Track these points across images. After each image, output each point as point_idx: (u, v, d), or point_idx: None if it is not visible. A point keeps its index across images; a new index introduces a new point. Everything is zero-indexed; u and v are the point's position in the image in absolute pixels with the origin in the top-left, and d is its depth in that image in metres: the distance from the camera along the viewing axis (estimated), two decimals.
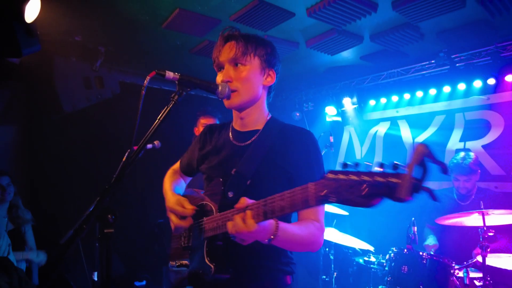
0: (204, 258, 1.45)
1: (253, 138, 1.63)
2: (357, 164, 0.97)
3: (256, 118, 1.67)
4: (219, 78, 1.63)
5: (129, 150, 1.44)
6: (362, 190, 0.91)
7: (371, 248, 3.79)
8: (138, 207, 5.12)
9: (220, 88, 1.59)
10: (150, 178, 5.11)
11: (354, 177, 0.93)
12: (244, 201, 1.28)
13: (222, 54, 1.61)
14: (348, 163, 0.98)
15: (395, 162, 0.89)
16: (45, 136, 4.59)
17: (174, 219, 1.60)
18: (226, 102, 1.63)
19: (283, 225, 1.32)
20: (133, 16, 3.55)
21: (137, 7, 3.37)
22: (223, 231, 1.36)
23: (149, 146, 2.50)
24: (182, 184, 1.97)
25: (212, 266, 1.40)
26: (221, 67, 1.64)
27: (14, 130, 4.69)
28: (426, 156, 0.84)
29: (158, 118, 1.49)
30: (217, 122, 3.62)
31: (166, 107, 1.52)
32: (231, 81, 1.58)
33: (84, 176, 4.41)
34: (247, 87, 1.59)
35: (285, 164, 1.55)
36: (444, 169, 0.86)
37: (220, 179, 1.57)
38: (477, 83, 4.30)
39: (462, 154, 3.61)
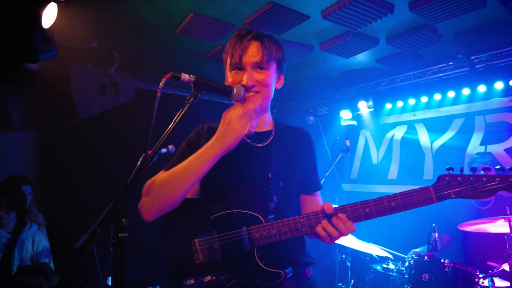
0: (262, 267, 1.43)
1: (271, 138, 1.65)
2: (462, 169, 1.32)
3: (266, 119, 1.71)
4: (236, 78, 1.58)
5: (143, 155, 1.42)
6: (484, 187, 1.27)
7: (390, 255, 3.68)
8: None
9: (235, 90, 1.56)
10: None
11: (479, 179, 1.28)
12: (331, 205, 1.39)
13: (247, 56, 1.55)
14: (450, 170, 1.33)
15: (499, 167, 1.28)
16: (62, 141, 4.66)
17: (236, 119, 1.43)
18: (249, 105, 1.58)
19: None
20: (147, 22, 3.57)
21: (151, 12, 3.39)
22: (283, 239, 1.42)
23: (164, 150, 2.48)
24: None
25: (281, 272, 1.42)
26: (240, 68, 1.58)
27: (32, 136, 4.77)
28: None
29: (173, 121, 1.47)
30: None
31: (181, 109, 1.50)
32: (255, 85, 1.57)
33: (99, 180, 4.45)
34: (266, 91, 1.59)
35: (302, 163, 1.66)
36: None
37: (257, 184, 1.51)
38: (498, 85, 4.17)
39: (482, 155, 3.52)
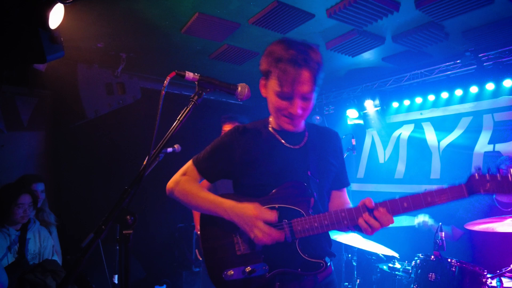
0: (303, 257, 1.54)
1: (305, 139, 1.75)
2: (489, 169, 1.46)
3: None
4: (282, 104, 1.60)
5: (148, 156, 1.43)
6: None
7: (396, 254, 3.66)
8: (158, 212, 5.17)
9: (239, 89, 1.57)
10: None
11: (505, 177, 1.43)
12: (371, 200, 1.51)
13: (300, 86, 1.53)
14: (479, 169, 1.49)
15: None
16: (70, 141, 4.72)
17: (263, 227, 1.48)
18: (289, 127, 1.69)
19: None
20: (153, 22, 3.60)
21: (157, 12, 3.41)
22: (325, 231, 1.54)
23: (169, 149, 2.49)
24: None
25: (322, 261, 1.56)
26: (289, 97, 1.58)
27: (41, 136, 4.84)
28: None
29: (178, 119, 1.48)
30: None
31: (186, 108, 1.51)
32: (302, 114, 1.63)
33: (107, 180, 4.50)
34: (308, 113, 1.67)
35: (332, 161, 1.77)
36: None
37: (297, 181, 1.62)
38: (507, 83, 4.11)
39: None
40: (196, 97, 1.52)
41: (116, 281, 3.33)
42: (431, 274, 2.94)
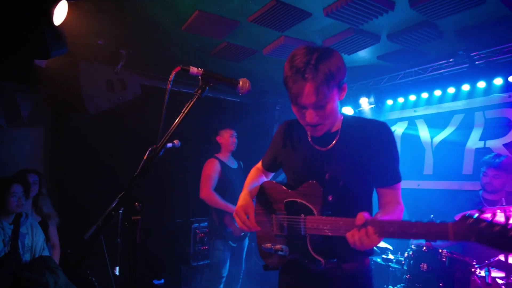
0: (310, 251, 1.63)
1: (334, 142, 1.71)
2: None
3: (332, 124, 1.71)
4: (300, 115, 1.63)
5: (150, 149, 1.50)
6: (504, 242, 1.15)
7: (389, 247, 3.77)
8: (157, 207, 5.23)
9: (241, 83, 1.65)
10: (169, 177, 5.23)
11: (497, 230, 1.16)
12: (362, 216, 1.39)
13: (304, 98, 1.53)
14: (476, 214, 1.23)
15: None
16: (71, 137, 4.77)
17: (238, 222, 1.78)
18: (315, 134, 1.69)
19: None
20: (153, 19, 3.66)
21: (157, 10, 3.48)
22: (334, 235, 1.53)
23: (169, 145, 2.56)
24: (263, 180, 2.06)
25: (321, 260, 1.60)
26: (302, 107, 1.60)
27: (42, 132, 4.89)
28: None
29: (182, 111, 1.55)
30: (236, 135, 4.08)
31: (190, 101, 1.59)
32: (320, 122, 1.60)
33: (107, 176, 4.54)
34: (331, 118, 1.64)
35: (371, 161, 1.65)
36: None
37: (314, 181, 1.66)
38: (498, 81, 4.23)
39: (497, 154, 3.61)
40: (199, 91, 1.60)
41: (117, 273, 3.41)
42: (423, 265, 3.06)
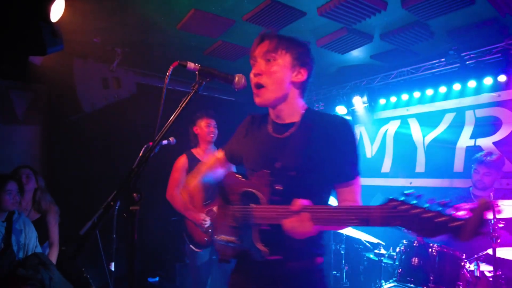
0: (255, 242, 1.58)
1: (291, 130, 1.69)
2: (419, 196, 1.17)
3: (290, 112, 1.71)
4: (251, 75, 1.71)
5: (146, 146, 1.54)
6: (430, 227, 1.11)
7: (381, 242, 3.83)
8: (151, 205, 5.24)
9: (236, 79, 1.69)
10: (164, 175, 5.24)
11: (427, 215, 1.12)
12: (298, 203, 1.37)
13: (256, 49, 1.69)
14: (409, 193, 1.18)
15: (457, 205, 1.10)
16: (66, 135, 4.77)
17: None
18: (256, 100, 1.69)
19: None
20: (149, 18, 3.69)
21: (153, 8, 3.51)
22: (274, 223, 1.48)
23: (165, 142, 2.59)
24: (218, 173, 2.02)
25: (265, 250, 1.56)
26: (254, 59, 1.71)
27: (36, 130, 4.88)
28: (486, 210, 1.05)
29: (180, 105, 1.58)
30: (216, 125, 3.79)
31: (187, 96, 1.63)
32: (261, 74, 1.65)
33: (102, 173, 4.56)
34: (275, 82, 1.64)
35: (327, 155, 1.59)
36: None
37: (265, 171, 1.63)
38: (488, 80, 4.33)
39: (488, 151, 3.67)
40: (196, 86, 1.63)
41: (113, 269, 3.42)
42: (414, 259, 3.12)
